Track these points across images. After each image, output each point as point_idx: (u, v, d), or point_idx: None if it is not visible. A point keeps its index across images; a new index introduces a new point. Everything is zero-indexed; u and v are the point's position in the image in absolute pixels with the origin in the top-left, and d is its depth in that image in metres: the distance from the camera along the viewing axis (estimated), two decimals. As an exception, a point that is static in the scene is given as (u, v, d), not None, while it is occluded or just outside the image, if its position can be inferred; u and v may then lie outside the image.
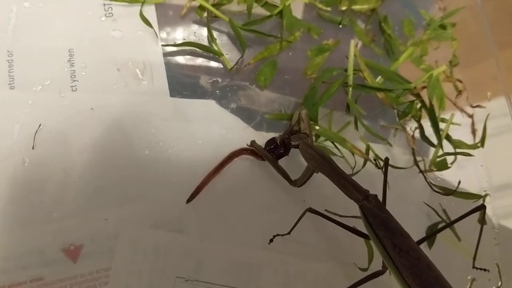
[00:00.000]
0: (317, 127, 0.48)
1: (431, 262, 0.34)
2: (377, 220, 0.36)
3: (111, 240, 0.41)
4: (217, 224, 0.44)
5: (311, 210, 0.39)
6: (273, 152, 0.45)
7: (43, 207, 0.41)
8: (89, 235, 0.41)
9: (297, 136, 0.43)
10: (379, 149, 0.50)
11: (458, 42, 0.56)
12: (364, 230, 0.38)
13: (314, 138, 0.47)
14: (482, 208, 0.40)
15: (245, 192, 0.46)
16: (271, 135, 0.48)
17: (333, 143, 0.48)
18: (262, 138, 0.47)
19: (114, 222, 0.42)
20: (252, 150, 0.46)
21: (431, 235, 0.42)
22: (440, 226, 0.47)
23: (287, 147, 0.45)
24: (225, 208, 0.45)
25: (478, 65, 0.56)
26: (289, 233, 0.42)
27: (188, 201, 0.43)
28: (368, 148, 0.47)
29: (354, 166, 0.47)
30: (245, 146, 0.46)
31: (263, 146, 0.46)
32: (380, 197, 0.38)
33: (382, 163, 0.46)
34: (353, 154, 0.48)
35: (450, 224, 0.40)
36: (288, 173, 0.43)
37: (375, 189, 0.39)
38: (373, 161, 0.48)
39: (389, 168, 0.44)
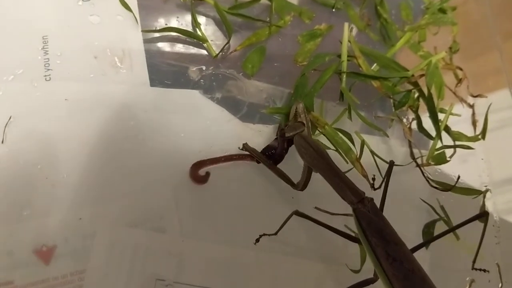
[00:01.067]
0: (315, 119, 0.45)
1: (426, 275, 0.31)
2: (371, 226, 0.33)
3: (87, 240, 0.39)
4: (201, 222, 0.41)
5: (298, 213, 0.37)
6: (271, 158, 0.42)
7: (13, 205, 0.38)
8: (63, 235, 0.38)
9: (291, 126, 0.40)
10: (375, 142, 0.47)
11: (459, 32, 0.53)
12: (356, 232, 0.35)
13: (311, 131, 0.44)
14: (484, 215, 0.38)
15: (231, 188, 0.43)
16: (259, 127, 0.45)
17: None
18: (250, 130, 0.44)
19: (89, 220, 0.39)
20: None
21: (429, 240, 0.39)
22: (438, 223, 0.45)
23: (284, 142, 0.42)
24: (209, 205, 0.42)
25: (480, 57, 0.54)
26: (276, 233, 0.39)
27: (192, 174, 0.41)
28: (363, 143, 0.44)
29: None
30: (232, 140, 0.43)
31: (257, 148, 0.43)
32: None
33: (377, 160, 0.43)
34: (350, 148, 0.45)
35: (450, 231, 0.37)
36: (289, 176, 0.41)
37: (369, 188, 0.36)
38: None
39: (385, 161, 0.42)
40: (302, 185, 0.39)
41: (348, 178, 0.36)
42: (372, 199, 0.35)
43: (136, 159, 0.42)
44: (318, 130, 0.45)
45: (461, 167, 0.47)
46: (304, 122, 0.40)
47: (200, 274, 0.40)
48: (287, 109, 0.45)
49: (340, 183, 0.35)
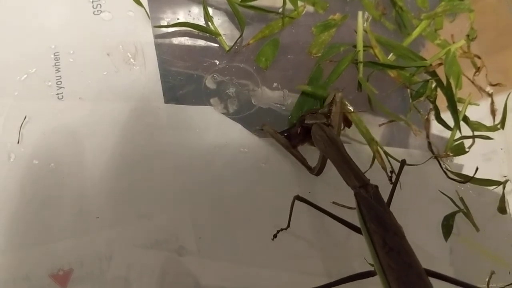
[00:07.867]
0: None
1: (424, 273, 0.29)
2: (371, 212, 0.32)
3: (103, 263, 0.38)
4: (219, 240, 0.40)
5: (298, 198, 0.37)
6: (290, 140, 0.42)
7: (29, 224, 0.38)
8: (79, 258, 0.38)
9: (313, 115, 0.40)
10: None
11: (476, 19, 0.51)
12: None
13: (342, 125, 0.43)
14: None
15: (251, 203, 0.42)
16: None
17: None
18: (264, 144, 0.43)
19: (106, 242, 0.38)
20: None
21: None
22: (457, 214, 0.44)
23: (302, 128, 0.41)
24: (227, 222, 0.41)
25: (499, 45, 0.52)
26: (286, 228, 0.39)
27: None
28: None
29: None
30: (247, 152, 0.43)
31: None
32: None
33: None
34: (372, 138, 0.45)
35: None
36: (306, 160, 0.41)
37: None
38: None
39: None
40: (317, 170, 0.40)
41: (356, 165, 0.35)
42: (376, 187, 0.34)
43: (151, 176, 0.41)
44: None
45: (480, 158, 0.46)
46: (338, 113, 0.40)
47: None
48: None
49: (346, 167, 0.35)
